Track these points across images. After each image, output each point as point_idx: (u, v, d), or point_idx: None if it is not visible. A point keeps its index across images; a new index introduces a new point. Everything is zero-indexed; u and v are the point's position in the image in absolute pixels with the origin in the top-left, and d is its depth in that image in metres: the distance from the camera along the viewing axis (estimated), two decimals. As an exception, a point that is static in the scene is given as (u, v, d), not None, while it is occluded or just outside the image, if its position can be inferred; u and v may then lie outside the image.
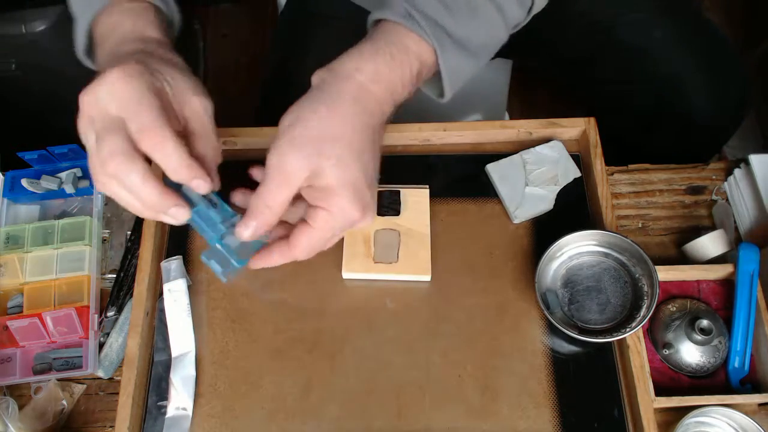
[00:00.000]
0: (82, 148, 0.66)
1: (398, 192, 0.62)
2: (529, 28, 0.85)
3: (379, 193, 0.62)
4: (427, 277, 0.59)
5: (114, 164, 0.43)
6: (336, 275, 0.60)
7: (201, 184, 0.47)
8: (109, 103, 0.44)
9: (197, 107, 0.49)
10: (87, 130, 0.45)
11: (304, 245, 0.50)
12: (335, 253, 0.61)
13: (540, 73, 1.09)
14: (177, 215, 0.46)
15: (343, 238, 0.60)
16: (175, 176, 0.46)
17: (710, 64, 0.77)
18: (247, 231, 0.48)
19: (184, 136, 0.49)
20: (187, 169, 0.45)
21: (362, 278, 0.60)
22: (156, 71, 0.47)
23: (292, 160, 0.47)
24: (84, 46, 0.55)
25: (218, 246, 0.50)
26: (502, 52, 0.95)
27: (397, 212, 0.61)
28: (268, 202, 0.47)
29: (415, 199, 0.62)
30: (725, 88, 0.78)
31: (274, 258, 0.52)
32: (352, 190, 0.48)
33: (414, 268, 0.59)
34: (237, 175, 0.66)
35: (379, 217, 0.61)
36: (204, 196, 0.50)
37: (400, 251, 0.60)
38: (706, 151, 0.82)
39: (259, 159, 0.66)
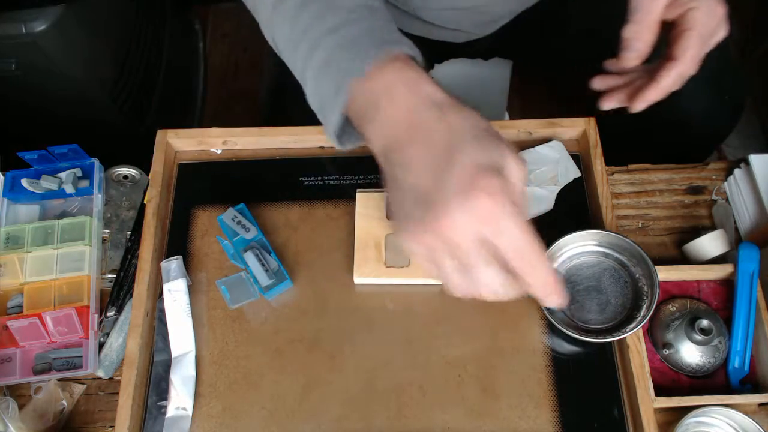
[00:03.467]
0: (82, 147, 0.67)
1: None
2: (528, 29, 0.85)
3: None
4: (440, 281, 0.59)
5: (492, 294, 0.42)
6: (336, 276, 0.60)
7: (554, 300, 0.44)
8: (474, 226, 0.39)
9: (520, 176, 0.43)
10: (441, 250, 0.41)
11: (692, 51, 0.54)
12: (335, 253, 0.61)
13: (540, 73, 1.09)
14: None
15: (353, 243, 0.60)
16: (535, 292, 0.43)
17: (707, 65, 0.77)
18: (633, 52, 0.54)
19: None
20: (550, 294, 0.43)
21: (373, 283, 0.60)
22: (493, 157, 0.41)
23: None
24: (338, 130, 0.47)
25: (243, 276, 0.59)
26: (502, 53, 0.95)
27: None
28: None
29: None
30: (722, 88, 0.77)
31: (666, 82, 0.55)
32: None
33: (425, 273, 0.59)
34: (237, 175, 0.66)
35: (391, 221, 0.60)
36: (234, 219, 0.60)
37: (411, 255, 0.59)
38: (703, 152, 0.82)
39: (260, 159, 0.66)
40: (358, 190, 0.62)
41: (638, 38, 0.53)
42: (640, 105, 0.56)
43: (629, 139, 0.80)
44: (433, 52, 0.88)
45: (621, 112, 0.82)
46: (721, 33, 0.56)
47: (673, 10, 0.53)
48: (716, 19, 0.54)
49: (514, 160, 0.41)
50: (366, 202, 0.61)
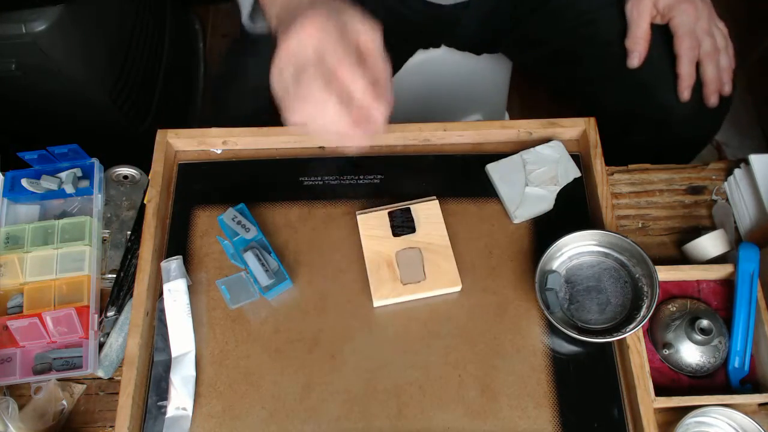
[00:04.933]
0: (82, 147, 0.67)
1: (409, 209, 0.61)
2: (520, 22, 0.85)
3: (390, 214, 0.61)
4: (458, 288, 0.59)
5: (310, 92, 0.52)
6: (336, 276, 0.60)
7: (377, 116, 0.53)
8: (307, 47, 0.52)
9: (369, 33, 0.55)
10: (285, 65, 0.53)
11: (684, 48, 0.71)
12: (335, 253, 0.61)
13: (539, 73, 1.09)
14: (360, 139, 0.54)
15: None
16: (361, 96, 0.52)
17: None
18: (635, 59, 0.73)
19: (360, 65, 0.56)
20: (372, 90, 0.52)
21: (394, 303, 0.59)
22: (333, 13, 0.54)
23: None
24: (249, 12, 0.65)
25: (243, 276, 0.59)
26: (496, 48, 0.94)
27: (412, 230, 0.60)
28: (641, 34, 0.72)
29: (427, 212, 0.61)
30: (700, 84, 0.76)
31: (684, 71, 0.72)
32: None
33: (443, 282, 0.58)
34: (237, 175, 0.66)
35: (396, 237, 0.60)
36: (234, 219, 0.60)
37: (425, 268, 0.59)
38: (687, 150, 0.81)
39: (260, 159, 0.67)
40: (357, 213, 0.62)
41: (634, 48, 0.72)
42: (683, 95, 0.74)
43: (627, 139, 0.80)
44: (419, 16, 0.86)
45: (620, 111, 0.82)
46: (712, 19, 0.72)
47: (662, 19, 0.72)
48: (696, 12, 0.71)
49: (361, 22, 0.54)
50: (368, 223, 0.61)
